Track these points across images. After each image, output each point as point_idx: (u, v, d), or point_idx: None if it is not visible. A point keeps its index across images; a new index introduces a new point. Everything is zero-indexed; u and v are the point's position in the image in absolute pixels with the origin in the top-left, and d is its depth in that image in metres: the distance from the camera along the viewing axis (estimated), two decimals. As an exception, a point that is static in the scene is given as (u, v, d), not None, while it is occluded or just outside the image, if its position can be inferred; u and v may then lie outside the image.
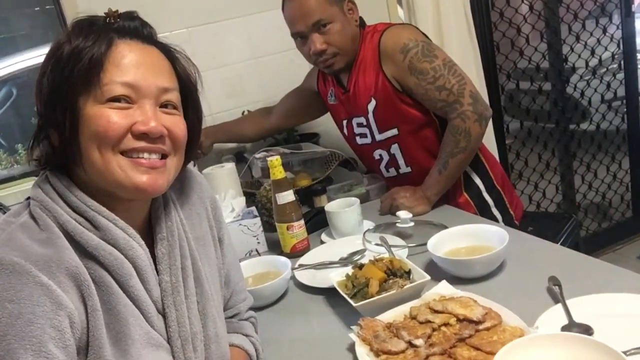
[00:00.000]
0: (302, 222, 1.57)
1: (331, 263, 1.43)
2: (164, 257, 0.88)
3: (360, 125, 1.80)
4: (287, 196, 1.54)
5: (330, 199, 1.78)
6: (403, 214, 1.51)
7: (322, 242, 1.62)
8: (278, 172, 1.53)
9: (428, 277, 1.15)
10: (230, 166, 1.82)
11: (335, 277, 1.25)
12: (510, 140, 2.97)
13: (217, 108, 2.29)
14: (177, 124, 0.86)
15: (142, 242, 0.84)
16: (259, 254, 1.63)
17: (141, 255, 0.83)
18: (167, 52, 0.88)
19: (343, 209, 1.60)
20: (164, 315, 0.86)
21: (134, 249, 0.82)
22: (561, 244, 1.76)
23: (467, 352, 0.94)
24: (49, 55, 0.80)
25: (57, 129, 0.80)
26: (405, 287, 1.14)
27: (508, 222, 1.78)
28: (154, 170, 0.82)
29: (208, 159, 2.23)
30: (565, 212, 3.15)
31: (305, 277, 1.40)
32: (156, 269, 0.87)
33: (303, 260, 1.50)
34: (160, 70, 0.84)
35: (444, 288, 1.15)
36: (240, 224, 1.63)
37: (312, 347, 1.13)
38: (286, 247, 1.57)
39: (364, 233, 1.54)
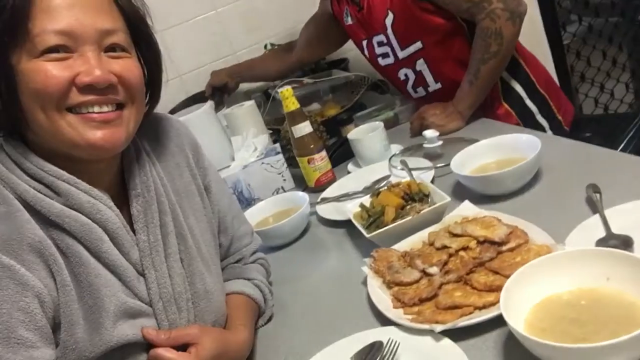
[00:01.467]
0: (323, 153, 1.47)
1: (354, 193, 1.34)
2: (140, 215, 0.81)
3: (380, 44, 1.64)
4: (303, 128, 1.44)
5: (357, 127, 1.66)
6: (429, 132, 1.38)
7: (348, 173, 1.53)
8: (290, 103, 1.43)
9: (448, 199, 1.04)
10: (250, 104, 1.74)
11: (352, 208, 1.17)
12: (568, 40, 2.68)
13: (238, 45, 2.19)
14: (128, 68, 0.76)
15: (111, 203, 0.78)
16: (285, 192, 1.56)
17: (110, 217, 0.76)
18: None
19: (366, 134, 1.48)
20: (144, 276, 0.80)
21: (101, 212, 0.75)
22: (622, 149, 1.57)
23: (484, 277, 0.84)
24: None
25: None
26: (422, 211, 1.04)
27: (556, 128, 1.59)
28: (108, 124, 0.74)
29: (239, 98, 2.17)
30: (636, 111, 2.84)
31: (327, 210, 1.32)
32: (133, 229, 0.81)
33: (327, 193, 1.42)
34: (98, 9, 0.73)
35: (467, 209, 1.03)
36: (262, 163, 1.56)
37: (327, 283, 1.07)
38: (310, 181, 1.49)
39: (390, 158, 1.43)
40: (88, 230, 0.74)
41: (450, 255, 0.91)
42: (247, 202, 1.58)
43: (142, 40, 0.82)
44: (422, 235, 1.01)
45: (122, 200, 0.82)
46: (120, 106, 0.76)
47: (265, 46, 2.18)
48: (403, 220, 1.03)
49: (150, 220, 0.82)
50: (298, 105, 1.44)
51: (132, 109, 0.78)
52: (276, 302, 1.06)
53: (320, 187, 1.47)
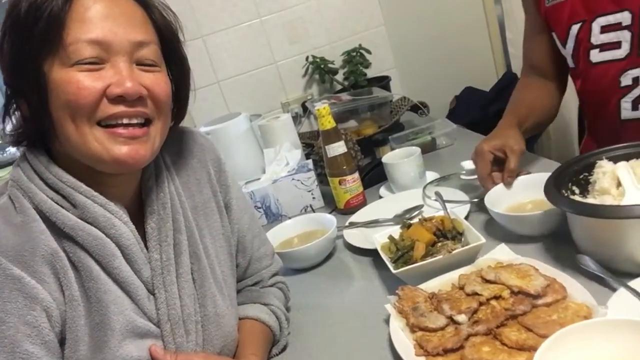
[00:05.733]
0: (356, 175, 1.43)
1: (384, 221, 1.30)
2: (154, 233, 0.79)
3: (609, 28, 1.15)
4: (337, 148, 1.41)
5: (393, 149, 1.61)
6: (467, 163, 1.32)
7: (380, 197, 1.48)
8: (327, 121, 1.39)
9: (482, 240, 0.98)
10: (285, 117, 1.71)
11: (380, 239, 1.12)
12: None
13: (280, 55, 2.18)
14: (158, 82, 0.75)
15: (126, 218, 0.76)
16: (313, 211, 1.53)
17: (125, 233, 0.75)
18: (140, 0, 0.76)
19: (401, 159, 1.44)
20: (154, 295, 0.78)
21: (116, 227, 0.74)
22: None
23: (515, 333, 0.78)
24: (6, 15, 0.71)
25: (25, 98, 0.72)
26: (454, 251, 0.98)
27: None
28: (135, 140, 0.73)
29: (275, 109, 2.15)
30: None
31: (355, 236, 1.27)
32: (147, 246, 0.79)
33: (355, 217, 1.37)
34: (132, 21, 0.73)
35: (502, 252, 0.97)
36: (293, 179, 1.53)
37: (347, 316, 1.02)
38: (340, 202, 1.45)
39: (424, 187, 1.38)
40: (101, 245, 0.73)
41: (481, 304, 0.86)
42: (274, 217, 1.55)
43: (172, 55, 0.81)
44: (452, 277, 0.95)
45: (140, 217, 0.80)
46: (147, 122, 0.75)
47: (307, 58, 2.15)
48: (433, 259, 0.98)
49: (164, 239, 0.80)
50: (334, 124, 1.40)
51: (159, 125, 0.77)
52: (293, 329, 1.02)
53: (349, 210, 1.43)
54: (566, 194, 0.97)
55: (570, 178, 1.00)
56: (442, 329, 0.84)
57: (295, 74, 2.21)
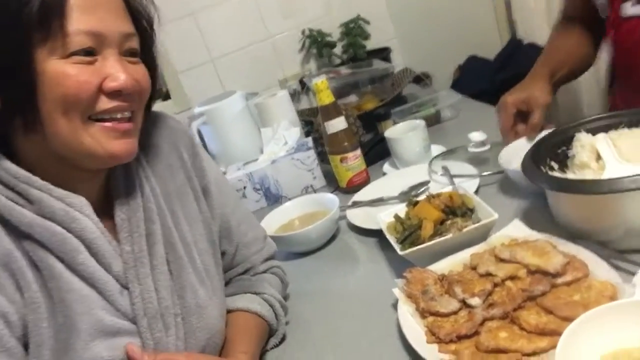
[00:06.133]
0: (357, 152, 1.36)
1: (389, 199, 1.23)
2: (124, 224, 0.75)
3: None
4: (337, 124, 1.33)
5: (395, 123, 1.54)
6: (476, 135, 1.25)
7: (384, 174, 1.41)
8: (325, 96, 1.32)
9: (495, 216, 0.92)
10: (282, 94, 1.64)
11: (385, 218, 1.06)
12: None
13: (275, 30, 2.09)
14: (143, 74, 0.73)
15: (89, 210, 0.71)
16: (314, 191, 1.46)
17: (87, 226, 0.69)
18: None
19: (405, 133, 1.37)
20: (129, 290, 0.73)
21: (77, 221, 0.68)
22: None
23: (534, 317, 0.72)
24: None
25: (2, 90, 0.66)
26: (465, 229, 0.92)
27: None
28: (126, 135, 0.71)
29: (272, 86, 2.07)
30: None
31: (358, 216, 1.21)
32: (119, 238, 0.75)
33: (359, 195, 1.31)
34: (118, 12, 0.70)
35: (517, 228, 0.91)
36: (292, 158, 1.46)
37: (352, 302, 0.97)
38: (342, 181, 1.39)
39: (430, 161, 1.31)
40: (61, 241, 0.67)
41: (496, 285, 0.80)
42: (274, 199, 1.49)
43: (147, 45, 0.77)
44: (464, 256, 0.89)
45: (111, 208, 0.75)
46: (132, 115, 0.72)
47: (303, 32, 2.07)
48: (442, 238, 0.92)
49: (135, 229, 0.75)
50: (333, 99, 1.33)
51: (139, 117, 0.75)
52: (293, 318, 0.96)
53: (352, 189, 1.36)
54: (544, 170, 0.92)
55: (548, 153, 0.95)
56: (455, 313, 0.79)
57: (292, 49, 2.13)
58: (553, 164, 0.95)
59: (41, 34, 0.63)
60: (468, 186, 1.09)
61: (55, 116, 0.65)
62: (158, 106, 2.17)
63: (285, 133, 1.56)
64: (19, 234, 0.66)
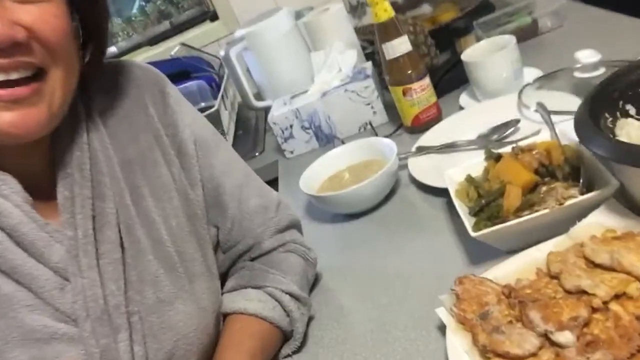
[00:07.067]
0: (425, 81, 1.08)
1: (465, 144, 0.96)
2: (67, 204, 0.60)
3: None
4: (398, 46, 1.05)
5: (479, 39, 1.21)
6: (585, 54, 0.92)
7: (460, 109, 1.12)
8: (381, 10, 1.03)
9: (615, 183, 0.63)
10: (337, 9, 1.35)
11: (454, 176, 0.79)
12: None
13: None
14: (44, 17, 0.54)
15: (9, 191, 0.56)
16: (372, 128, 1.20)
17: (6, 209, 0.55)
18: None
19: (490, 54, 1.05)
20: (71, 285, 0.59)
21: None
22: None
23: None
24: None
25: None
26: (568, 202, 0.64)
27: None
28: (21, 104, 0.54)
29: None
30: None
31: (424, 168, 0.95)
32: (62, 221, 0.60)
33: (427, 138, 1.04)
34: None
35: (611, 214, 0.62)
36: (346, 90, 1.20)
37: (399, 293, 0.73)
38: (406, 118, 1.12)
39: (521, 91, 1.00)
40: None
41: (594, 310, 0.52)
42: (327, 139, 1.25)
43: None
44: (536, 257, 0.62)
45: (53, 185, 0.61)
46: (39, 74, 0.55)
47: None
48: (535, 214, 0.64)
49: (79, 210, 0.60)
50: (392, 14, 1.03)
51: (58, 75, 0.56)
52: (323, 300, 0.75)
53: (419, 127, 1.09)
54: (613, 120, 0.63)
55: (622, 95, 0.65)
56: (534, 355, 0.52)
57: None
58: (629, 107, 0.65)
59: None
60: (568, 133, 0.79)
61: None
62: (205, 28, 2.00)
63: (339, 57, 1.29)
64: None
